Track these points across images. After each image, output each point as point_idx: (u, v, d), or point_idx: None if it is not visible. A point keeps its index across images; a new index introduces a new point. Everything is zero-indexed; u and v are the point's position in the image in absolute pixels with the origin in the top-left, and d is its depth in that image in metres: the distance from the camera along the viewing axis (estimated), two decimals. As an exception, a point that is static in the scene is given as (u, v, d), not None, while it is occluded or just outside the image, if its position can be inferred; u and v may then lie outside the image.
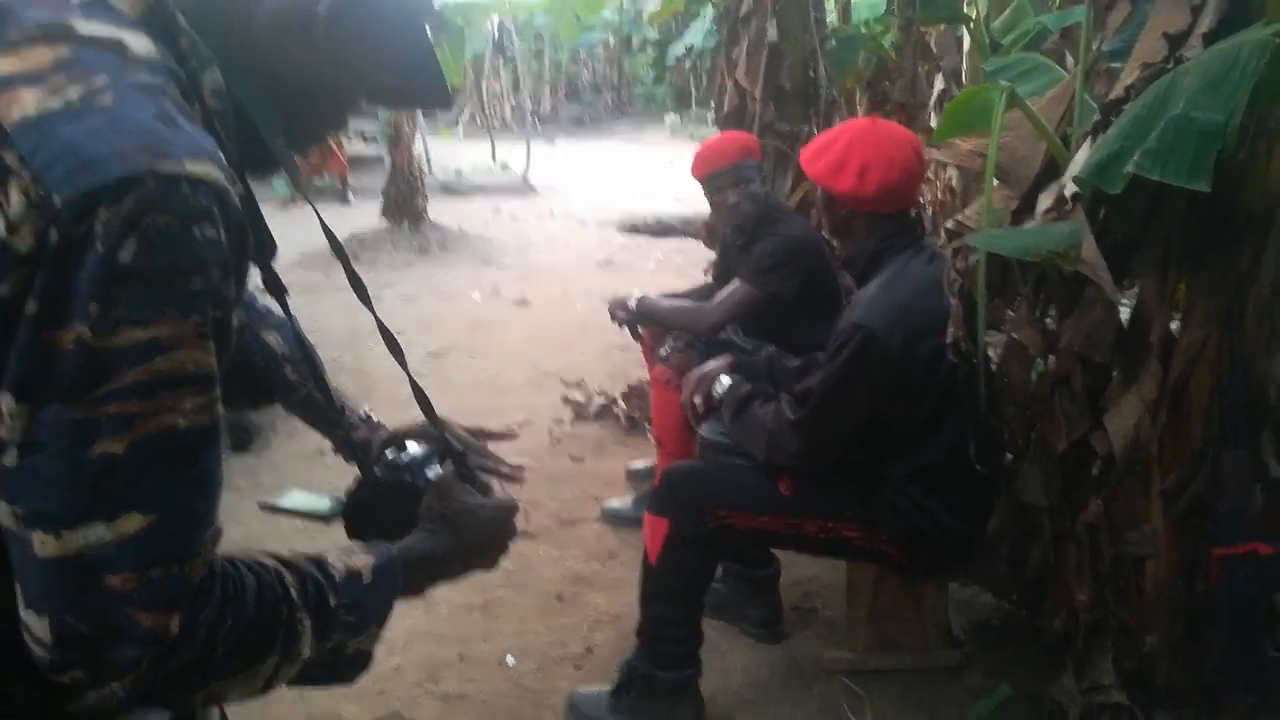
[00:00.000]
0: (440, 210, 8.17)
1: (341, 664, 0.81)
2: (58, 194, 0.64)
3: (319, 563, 0.79)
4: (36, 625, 0.66)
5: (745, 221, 2.77)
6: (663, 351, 2.79)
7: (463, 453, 1.10)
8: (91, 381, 0.65)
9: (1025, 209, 1.95)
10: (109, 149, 0.65)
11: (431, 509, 0.95)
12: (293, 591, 0.75)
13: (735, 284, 2.74)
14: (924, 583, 2.22)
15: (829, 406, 1.88)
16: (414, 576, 0.89)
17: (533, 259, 7.27)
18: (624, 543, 2.91)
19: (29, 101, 0.66)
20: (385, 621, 0.84)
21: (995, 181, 1.93)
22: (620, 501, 3.09)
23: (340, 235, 0.93)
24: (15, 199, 0.64)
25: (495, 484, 1.08)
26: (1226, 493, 1.70)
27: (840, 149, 1.97)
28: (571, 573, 2.77)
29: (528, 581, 2.72)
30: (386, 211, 7.51)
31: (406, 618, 2.43)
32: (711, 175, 2.77)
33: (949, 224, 2.08)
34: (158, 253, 0.65)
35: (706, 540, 1.99)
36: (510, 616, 2.54)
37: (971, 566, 2.23)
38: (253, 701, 0.85)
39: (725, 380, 2.13)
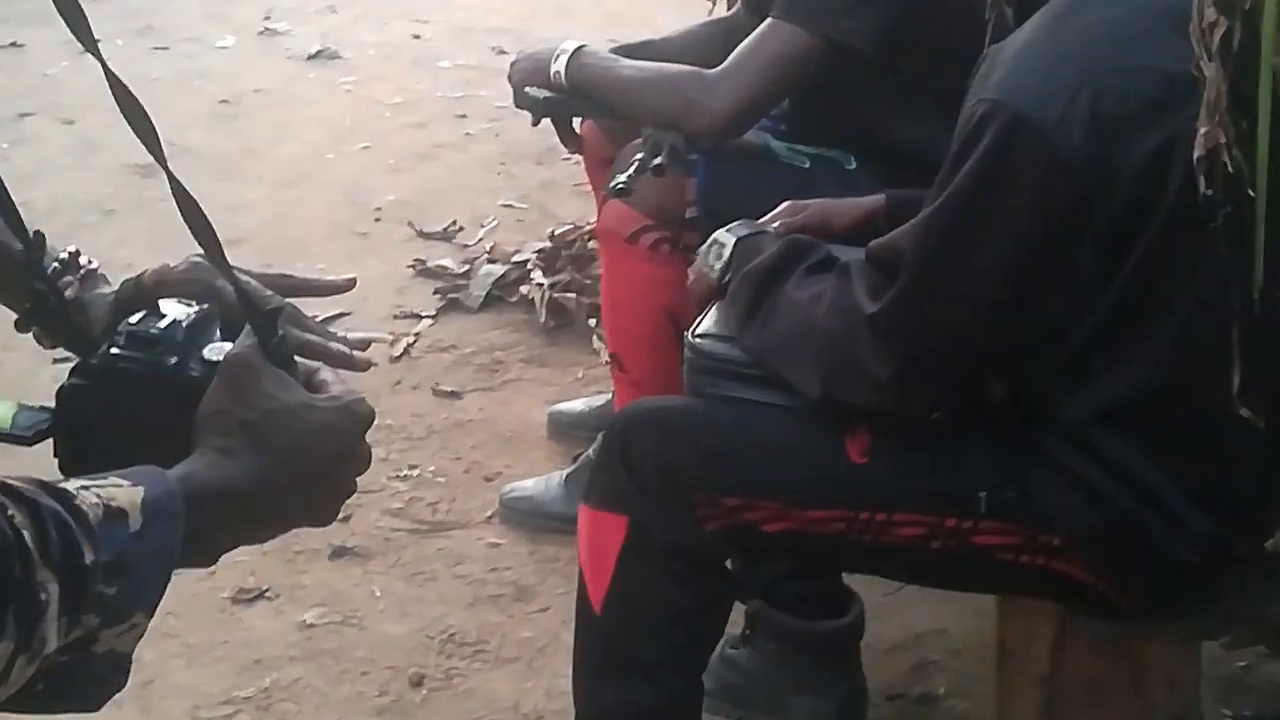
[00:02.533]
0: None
1: (86, 670, 0.58)
2: None
3: (59, 493, 0.56)
4: None
5: None
6: (622, 176, 1.75)
7: (271, 313, 0.74)
8: None
9: None
10: None
11: (220, 413, 0.67)
12: (26, 535, 0.52)
13: (767, 25, 1.73)
14: (1147, 635, 1.53)
15: (943, 275, 1.26)
16: (203, 524, 0.62)
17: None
18: (542, 564, 1.84)
19: None
20: (157, 601, 0.59)
21: None
22: (534, 482, 1.99)
23: None
24: None
25: (326, 372, 0.75)
26: None
27: None
28: (443, 629, 1.72)
29: (345, 662, 1.68)
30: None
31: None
32: None
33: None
34: None
35: (704, 555, 1.41)
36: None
37: (1235, 603, 1.54)
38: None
39: (728, 236, 1.42)
